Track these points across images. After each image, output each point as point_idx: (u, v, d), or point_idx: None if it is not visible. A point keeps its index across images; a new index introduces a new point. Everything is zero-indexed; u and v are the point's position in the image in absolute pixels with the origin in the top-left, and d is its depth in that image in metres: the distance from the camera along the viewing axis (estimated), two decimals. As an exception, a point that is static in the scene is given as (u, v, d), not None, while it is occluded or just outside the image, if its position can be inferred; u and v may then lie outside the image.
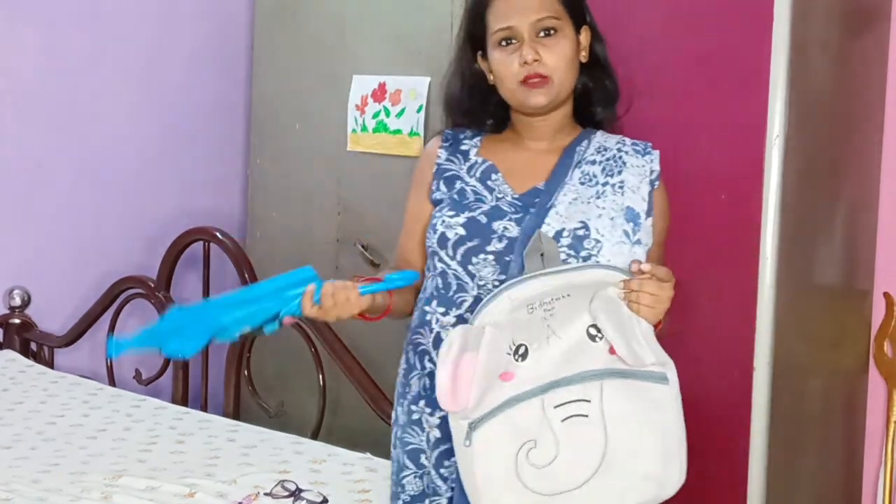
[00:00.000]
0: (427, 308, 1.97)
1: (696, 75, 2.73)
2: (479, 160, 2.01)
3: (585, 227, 1.89)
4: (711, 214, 2.71)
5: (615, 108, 2.05)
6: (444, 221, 1.94)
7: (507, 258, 1.88)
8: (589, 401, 1.70)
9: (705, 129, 2.72)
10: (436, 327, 1.95)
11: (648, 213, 1.92)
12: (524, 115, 1.99)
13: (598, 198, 1.92)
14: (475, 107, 2.03)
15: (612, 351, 1.73)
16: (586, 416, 1.70)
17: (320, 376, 3.16)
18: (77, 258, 3.72)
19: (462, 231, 1.92)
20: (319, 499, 2.35)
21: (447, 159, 2.03)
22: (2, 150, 3.56)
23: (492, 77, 1.98)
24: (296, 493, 2.36)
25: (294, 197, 3.77)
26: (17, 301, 3.55)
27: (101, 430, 2.84)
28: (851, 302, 3.02)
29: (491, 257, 1.90)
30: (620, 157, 1.96)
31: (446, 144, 2.05)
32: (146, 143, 3.88)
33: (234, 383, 3.30)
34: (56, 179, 3.67)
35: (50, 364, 3.55)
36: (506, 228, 1.90)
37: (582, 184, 1.93)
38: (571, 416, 1.70)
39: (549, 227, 1.87)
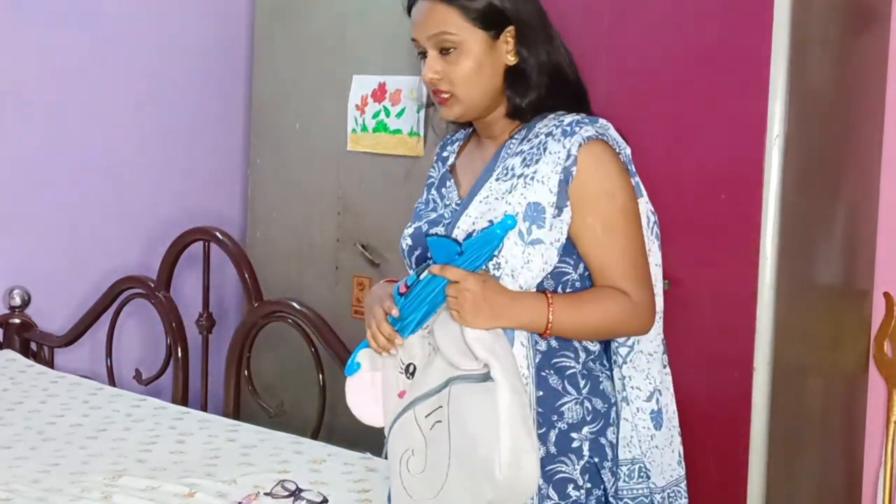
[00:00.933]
0: None
1: (696, 75, 2.73)
2: (447, 167, 2.03)
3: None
4: (711, 214, 2.71)
5: (546, 104, 1.93)
6: (403, 234, 2.00)
7: None
8: (442, 406, 1.76)
9: (705, 129, 2.72)
10: None
11: (559, 206, 1.82)
12: None
13: (510, 192, 1.85)
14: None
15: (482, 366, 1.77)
16: (441, 420, 1.75)
17: (320, 376, 3.16)
18: (77, 258, 3.72)
19: (410, 241, 1.96)
20: (319, 499, 2.35)
21: (433, 165, 2.06)
22: (2, 150, 3.56)
23: None
24: (296, 493, 2.36)
25: (294, 197, 3.77)
26: (17, 301, 3.55)
27: (101, 430, 2.83)
28: (851, 302, 3.02)
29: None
30: (544, 144, 1.86)
31: (438, 151, 2.08)
32: (146, 143, 3.88)
33: (234, 383, 3.30)
34: (56, 179, 3.67)
35: (50, 364, 3.55)
36: (437, 234, 1.91)
37: (497, 180, 1.87)
38: (435, 423, 1.76)
39: (459, 230, 1.85)
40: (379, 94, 3.50)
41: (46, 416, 2.93)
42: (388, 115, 3.47)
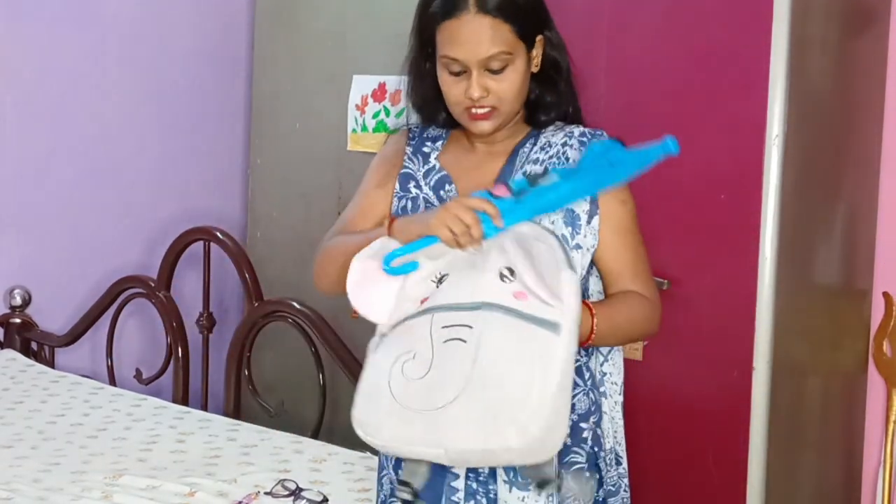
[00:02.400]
0: None
1: (696, 75, 2.73)
2: (437, 167, 1.95)
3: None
4: (711, 214, 2.72)
5: (564, 111, 1.94)
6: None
7: None
8: (471, 327, 1.66)
9: (705, 129, 2.72)
10: None
11: (592, 213, 1.85)
12: None
13: None
14: (427, 101, 1.95)
15: (517, 295, 1.67)
16: (465, 341, 1.65)
17: (320, 376, 3.16)
18: (77, 258, 3.73)
19: None
20: (319, 498, 2.35)
21: (409, 157, 1.98)
22: (2, 150, 3.56)
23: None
24: (296, 493, 2.36)
25: (294, 197, 3.77)
26: (18, 300, 3.55)
27: (101, 430, 2.84)
28: (851, 301, 3.02)
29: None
30: (564, 153, 1.87)
31: (412, 142, 2.00)
32: (147, 142, 3.88)
33: (234, 383, 3.31)
34: (56, 179, 3.67)
35: (50, 363, 3.55)
36: None
37: None
38: (452, 339, 1.66)
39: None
40: (379, 93, 3.50)
41: (47, 416, 2.93)
42: (388, 114, 3.47)
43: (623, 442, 1.99)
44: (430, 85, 1.92)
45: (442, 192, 1.93)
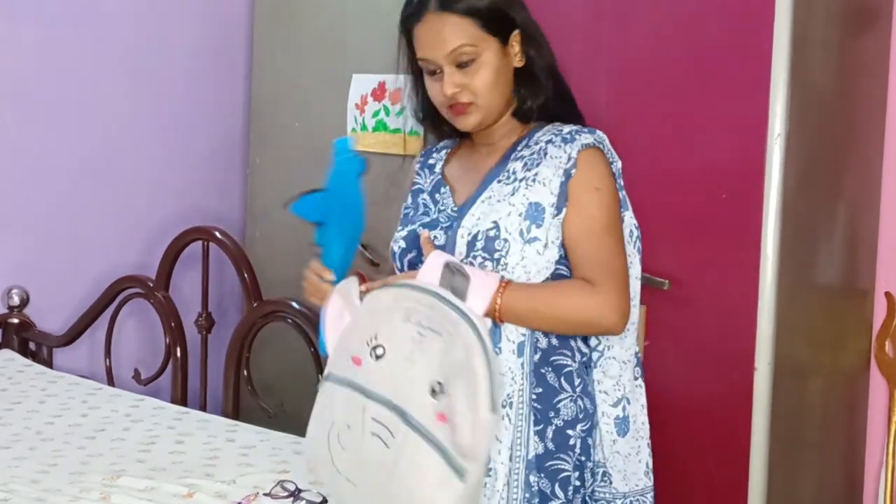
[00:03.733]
0: None
1: (697, 75, 2.72)
2: (438, 174, 2.05)
3: (496, 226, 1.87)
4: (712, 214, 2.71)
5: (551, 107, 1.97)
6: (394, 237, 2.02)
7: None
8: (394, 437, 1.68)
9: (706, 129, 2.71)
10: None
11: (558, 207, 1.87)
12: None
13: (513, 194, 1.89)
14: (429, 112, 2.03)
15: (440, 417, 1.67)
16: (388, 447, 1.69)
17: (320, 376, 3.15)
18: (76, 257, 3.72)
19: (403, 244, 1.99)
20: (319, 499, 2.35)
21: (417, 173, 2.09)
22: (1, 149, 3.55)
23: None
24: (295, 494, 2.36)
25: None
26: (16, 300, 3.54)
27: (99, 430, 2.83)
28: (852, 301, 3.01)
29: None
30: (544, 150, 1.91)
31: (421, 160, 2.11)
32: (146, 142, 3.87)
33: (233, 383, 3.30)
34: (55, 179, 3.67)
35: (49, 363, 3.54)
36: (435, 237, 1.92)
37: (499, 182, 1.92)
38: (377, 436, 1.70)
39: (464, 229, 1.89)
40: (379, 93, 3.50)
41: (45, 416, 2.93)
42: (387, 114, 3.46)
43: (620, 462, 1.97)
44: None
45: (437, 196, 2.01)
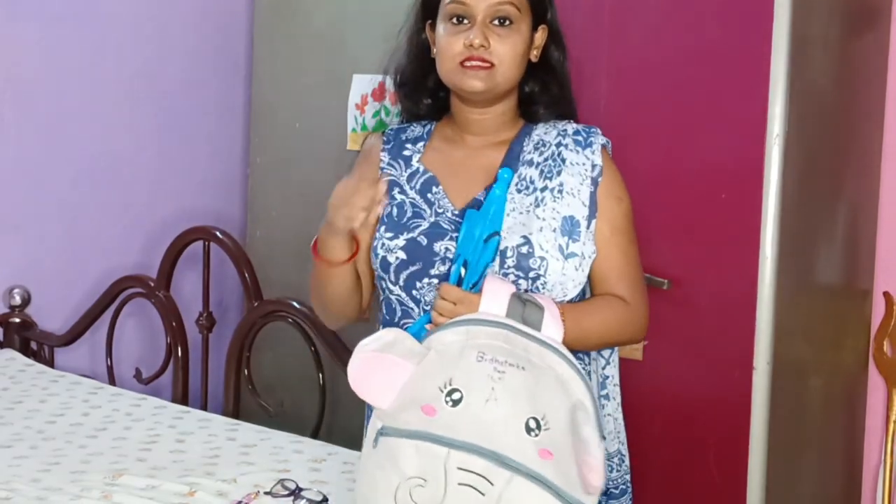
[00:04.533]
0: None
1: (696, 75, 2.73)
2: (421, 169, 1.88)
3: (528, 242, 1.77)
4: (711, 214, 2.71)
5: (560, 111, 1.91)
6: (384, 244, 1.83)
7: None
8: (493, 484, 1.54)
9: (705, 129, 2.72)
10: None
11: (591, 218, 1.81)
12: (463, 104, 1.86)
13: (538, 206, 1.79)
14: (413, 79, 1.92)
15: (542, 454, 1.56)
16: (483, 494, 1.54)
17: (320, 376, 3.16)
18: (77, 257, 3.72)
19: (402, 255, 1.82)
20: (319, 498, 2.35)
21: (388, 163, 1.91)
22: (1, 149, 3.55)
23: (435, 50, 1.86)
24: (296, 492, 2.36)
25: (294, 197, 3.77)
26: (17, 300, 3.54)
27: (101, 429, 2.83)
28: (851, 301, 3.02)
29: (436, 281, 1.80)
30: (560, 155, 1.83)
31: (388, 146, 1.93)
32: (146, 142, 3.88)
33: (234, 382, 3.30)
34: (56, 178, 3.67)
35: (50, 363, 3.55)
36: (447, 249, 1.80)
37: (518, 191, 1.81)
38: (468, 486, 1.55)
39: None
40: (378, 93, 3.50)
41: (46, 416, 2.93)
42: (387, 114, 3.46)
43: (626, 442, 1.99)
44: (420, 63, 1.89)
45: (429, 195, 1.86)
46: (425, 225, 1.84)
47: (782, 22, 2.57)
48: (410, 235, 1.83)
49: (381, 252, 1.84)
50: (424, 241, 1.82)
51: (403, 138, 1.94)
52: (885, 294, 2.98)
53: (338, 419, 3.36)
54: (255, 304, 3.33)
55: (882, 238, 3.02)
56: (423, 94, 1.92)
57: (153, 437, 2.77)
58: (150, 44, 3.85)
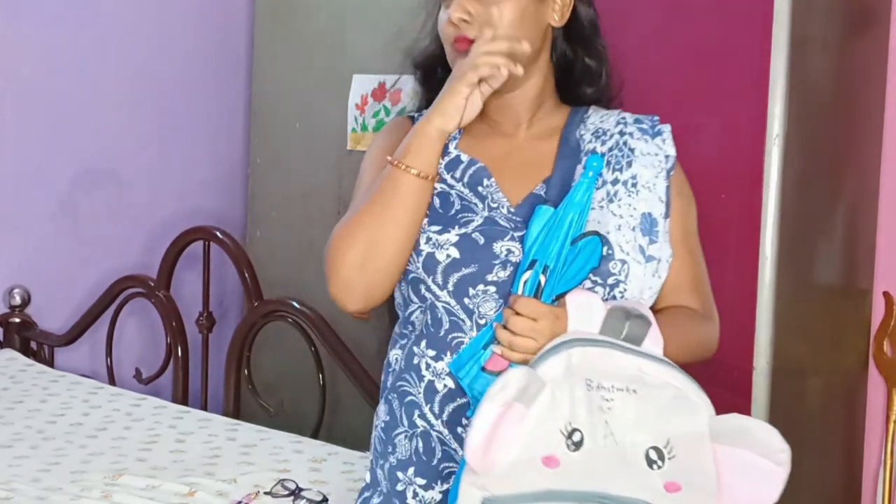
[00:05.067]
0: (415, 349, 1.56)
1: (696, 74, 2.72)
2: (463, 156, 1.60)
3: (606, 243, 1.51)
4: (711, 214, 2.69)
5: (603, 86, 1.68)
6: (429, 238, 1.53)
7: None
8: None
9: (705, 129, 2.71)
10: (427, 374, 1.54)
11: (667, 215, 1.57)
12: None
13: (612, 201, 1.54)
14: (430, 60, 1.65)
15: (671, 487, 1.35)
16: None
17: (320, 376, 3.16)
18: (77, 257, 3.72)
19: (455, 253, 1.51)
20: (319, 498, 2.35)
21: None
22: (1, 149, 3.56)
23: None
24: (296, 492, 2.36)
25: (294, 197, 3.77)
26: (17, 300, 3.55)
27: (101, 429, 2.84)
28: (851, 301, 3.02)
29: (492, 289, 1.51)
30: (626, 144, 1.59)
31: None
32: (146, 142, 3.88)
33: (234, 382, 3.30)
34: (56, 178, 3.67)
35: (50, 363, 3.55)
36: (510, 252, 1.51)
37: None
38: None
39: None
40: (379, 93, 3.50)
41: (46, 415, 2.93)
42: (388, 114, 3.47)
43: None
44: (438, 42, 1.62)
45: (481, 188, 1.57)
46: (479, 220, 1.54)
47: (782, 22, 2.57)
48: (464, 231, 1.53)
49: (425, 248, 1.53)
50: (482, 240, 1.52)
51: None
52: (885, 294, 2.98)
53: (338, 419, 3.36)
54: (255, 304, 3.33)
55: (881, 238, 3.02)
56: (436, 71, 1.65)
57: (153, 437, 2.77)
58: (150, 44, 3.86)
